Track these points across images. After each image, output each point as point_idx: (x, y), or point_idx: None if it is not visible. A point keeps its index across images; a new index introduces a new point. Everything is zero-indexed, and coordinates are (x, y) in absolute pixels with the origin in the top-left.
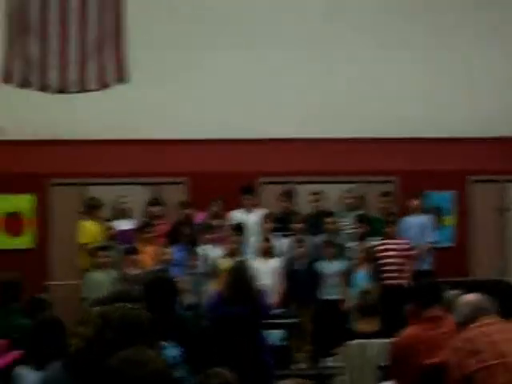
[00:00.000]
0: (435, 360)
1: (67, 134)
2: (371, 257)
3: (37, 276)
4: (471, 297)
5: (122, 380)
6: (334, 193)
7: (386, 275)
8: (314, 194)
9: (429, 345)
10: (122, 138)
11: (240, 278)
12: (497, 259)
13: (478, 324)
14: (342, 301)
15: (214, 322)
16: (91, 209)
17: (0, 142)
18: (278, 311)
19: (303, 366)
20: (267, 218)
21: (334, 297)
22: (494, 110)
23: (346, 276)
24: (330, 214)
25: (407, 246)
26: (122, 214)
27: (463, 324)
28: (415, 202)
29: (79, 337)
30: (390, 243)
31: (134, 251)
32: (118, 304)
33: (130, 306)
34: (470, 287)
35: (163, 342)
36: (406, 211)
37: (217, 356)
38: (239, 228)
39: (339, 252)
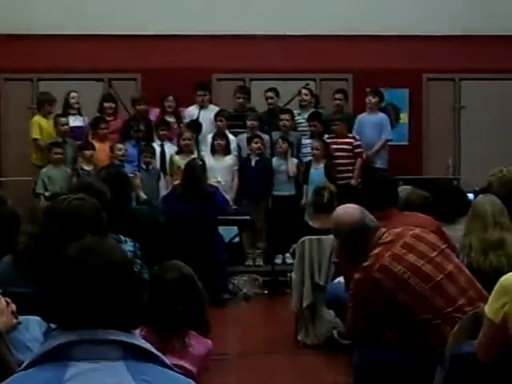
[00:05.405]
0: None
1: (19, 28)
2: (327, 154)
3: None
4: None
5: (81, 269)
6: (289, 90)
7: (336, 175)
8: (270, 91)
9: None
10: (75, 33)
11: (193, 176)
12: (451, 158)
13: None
14: (296, 197)
15: (169, 217)
16: (43, 104)
17: None
18: (231, 208)
19: (257, 262)
20: (221, 115)
21: (287, 193)
22: (450, 8)
23: (302, 173)
24: (285, 111)
25: (355, 144)
26: (74, 110)
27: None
28: (372, 100)
29: (27, 235)
30: (338, 142)
31: (88, 147)
32: (63, 196)
33: (75, 196)
34: (422, 185)
35: (120, 236)
36: (363, 109)
37: (171, 251)
38: (193, 125)
39: (294, 149)
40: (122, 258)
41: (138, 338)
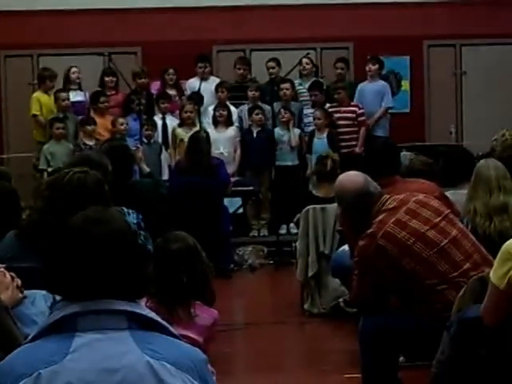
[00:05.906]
0: None
1: (18, 4)
2: (329, 123)
3: None
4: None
5: (83, 238)
6: (290, 60)
7: (340, 143)
8: (271, 61)
9: None
10: (74, 8)
11: (197, 148)
12: (453, 124)
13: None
14: (299, 167)
15: (173, 189)
16: (44, 80)
17: None
18: (234, 179)
19: (262, 233)
20: (222, 86)
21: (290, 163)
22: None
23: (305, 143)
24: (285, 80)
25: (359, 112)
26: (75, 85)
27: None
28: (372, 67)
29: (31, 210)
30: (342, 111)
31: (90, 122)
32: (65, 170)
33: (77, 170)
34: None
35: (123, 208)
36: (365, 77)
37: (175, 223)
38: (195, 97)
39: (295, 119)
40: (124, 228)
41: (142, 308)
